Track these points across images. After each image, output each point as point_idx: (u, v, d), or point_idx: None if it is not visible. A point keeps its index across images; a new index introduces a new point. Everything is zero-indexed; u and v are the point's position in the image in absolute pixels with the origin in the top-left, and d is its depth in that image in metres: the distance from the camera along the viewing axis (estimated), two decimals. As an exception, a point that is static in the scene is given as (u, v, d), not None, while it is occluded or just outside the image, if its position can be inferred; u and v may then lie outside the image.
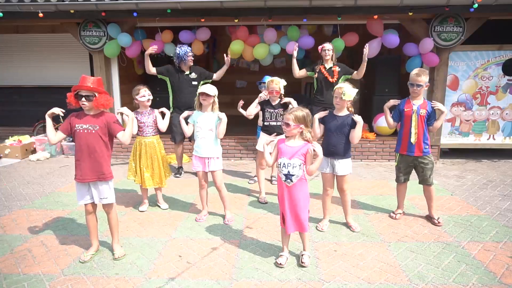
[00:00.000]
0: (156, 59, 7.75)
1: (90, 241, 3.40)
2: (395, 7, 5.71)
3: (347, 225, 3.93)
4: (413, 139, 3.87)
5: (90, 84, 3.02)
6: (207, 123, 3.89)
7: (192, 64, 5.60)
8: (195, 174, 3.92)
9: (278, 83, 4.40)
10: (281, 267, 3.15)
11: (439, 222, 3.95)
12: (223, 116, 3.86)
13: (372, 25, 6.19)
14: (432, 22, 6.05)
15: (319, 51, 5.57)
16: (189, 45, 6.32)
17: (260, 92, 5.33)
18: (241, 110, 4.64)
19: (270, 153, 3.23)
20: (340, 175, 3.74)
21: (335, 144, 3.68)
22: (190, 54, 5.52)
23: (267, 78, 5.23)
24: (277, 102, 4.52)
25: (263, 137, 4.57)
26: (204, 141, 3.92)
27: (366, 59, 5.40)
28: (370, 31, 6.29)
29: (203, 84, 5.05)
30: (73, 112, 3.22)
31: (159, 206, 4.52)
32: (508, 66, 6.38)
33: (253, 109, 4.53)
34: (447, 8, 5.70)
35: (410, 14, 5.79)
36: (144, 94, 4.26)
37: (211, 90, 3.85)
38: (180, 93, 5.65)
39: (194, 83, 5.66)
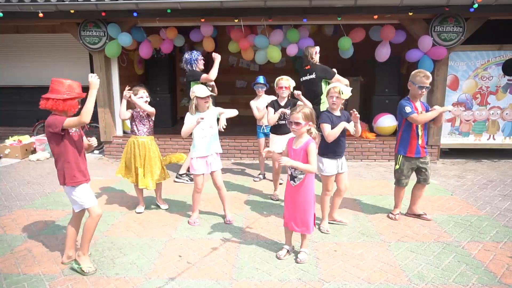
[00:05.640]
0: (157, 59, 7.77)
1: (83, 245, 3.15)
2: (395, 7, 5.71)
3: (334, 221, 3.98)
4: (420, 141, 3.91)
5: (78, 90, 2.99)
6: (208, 121, 3.91)
7: (203, 67, 5.59)
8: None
9: (288, 80, 4.57)
10: (279, 259, 3.23)
11: (427, 218, 4.08)
12: (222, 109, 3.98)
13: (383, 31, 6.17)
14: (432, 22, 6.04)
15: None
16: (199, 44, 6.31)
17: (256, 92, 5.35)
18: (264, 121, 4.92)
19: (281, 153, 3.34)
20: (344, 171, 3.85)
21: (340, 144, 3.78)
22: (201, 57, 5.47)
23: (261, 79, 5.32)
24: (285, 101, 4.59)
25: (274, 140, 4.68)
26: (205, 140, 3.93)
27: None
28: (381, 37, 6.25)
29: (193, 84, 4.99)
30: (51, 116, 2.95)
31: (159, 206, 4.52)
32: (508, 66, 6.37)
33: (272, 116, 4.51)
34: (447, 8, 5.69)
35: (410, 14, 5.79)
36: (142, 96, 4.23)
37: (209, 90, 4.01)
38: None
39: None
